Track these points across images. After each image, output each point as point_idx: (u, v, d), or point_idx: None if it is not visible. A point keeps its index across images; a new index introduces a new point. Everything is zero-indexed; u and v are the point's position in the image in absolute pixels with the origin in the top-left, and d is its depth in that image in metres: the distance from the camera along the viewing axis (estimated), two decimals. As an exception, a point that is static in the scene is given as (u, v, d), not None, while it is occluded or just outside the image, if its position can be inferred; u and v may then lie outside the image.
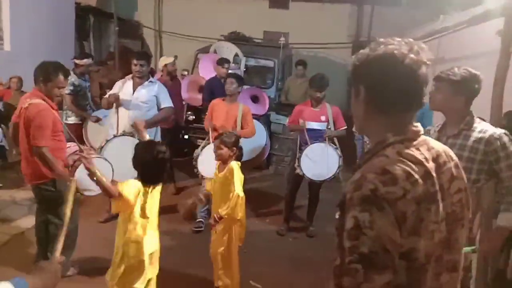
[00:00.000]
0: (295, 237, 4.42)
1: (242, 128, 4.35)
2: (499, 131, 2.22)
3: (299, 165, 4.15)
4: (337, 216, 1.25)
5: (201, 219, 4.43)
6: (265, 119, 6.08)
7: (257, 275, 3.51)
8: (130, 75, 4.22)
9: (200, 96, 6.11)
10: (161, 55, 11.28)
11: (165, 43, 11.11)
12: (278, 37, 8.71)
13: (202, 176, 4.26)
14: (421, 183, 1.07)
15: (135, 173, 3.85)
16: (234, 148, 3.07)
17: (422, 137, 1.19)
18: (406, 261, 1.07)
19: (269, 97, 6.28)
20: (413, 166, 1.09)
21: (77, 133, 4.56)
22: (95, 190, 3.21)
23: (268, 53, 7.26)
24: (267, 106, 6.01)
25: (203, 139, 6.09)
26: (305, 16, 10.10)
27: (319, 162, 4.12)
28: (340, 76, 8.47)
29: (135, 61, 4.07)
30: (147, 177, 2.41)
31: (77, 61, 5.28)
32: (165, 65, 5.51)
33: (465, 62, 3.85)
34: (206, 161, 4.12)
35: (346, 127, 4.42)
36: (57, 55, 7.64)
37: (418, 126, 1.20)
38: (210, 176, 4.12)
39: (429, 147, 1.17)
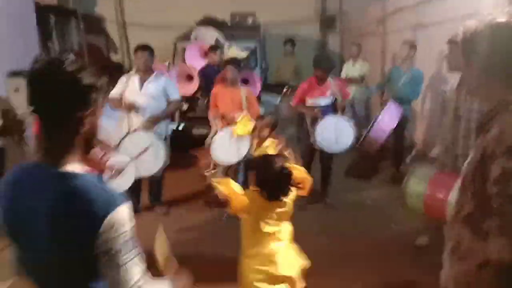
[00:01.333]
0: (315, 210, 4.58)
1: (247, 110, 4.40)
2: None
3: (315, 140, 4.28)
4: (465, 171, 1.40)
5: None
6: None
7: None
8: (133, 70, 4.13)
9: (190, 85, 6.08)
10: (127, 48, 10.97)
11: (130, 35, 10.76)
12: (245, 17, 8.72)
13: (215, 164, 4.29)
14: None
15: (156, 166, 3.88)
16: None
17: None
18: None
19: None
20: None
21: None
22: None
23: (247, 35, 7.26)
24: (259, 87, 6.07)
25: (200, 128, 6.16)
26: (270, -6, 10.07)
27: (334, 135, 4.27)
28: (310, 51, 8.60)
29: (139, 54, 3.98)
30: (269, 192, 2.24)
31: None
32: None
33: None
34: (219, 149, 4.18)
35: (351, 95, 4.61)
36: (23, 60, 7.32)
37: None
38: (226, 163, 4.20)
39: None
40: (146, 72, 4.06)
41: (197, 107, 6.28)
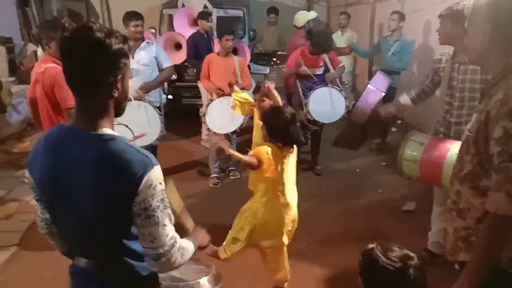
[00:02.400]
0: (305, 177, 4.71)
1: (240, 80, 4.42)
2: None
3: (308, 111, 4.36)
4: (468, 133, 1.51)
5: (215, 174, 4.58)
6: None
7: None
8: None
9: (178, 54, 6.00)
10: (108, 15, 10.61)
11: (111, 1, 10.39)
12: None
13: (213, 132, 4.32)
14: None
15: (153, 134, 3.90)
16: None
17: None
18: None
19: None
20: None
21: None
22: None
23: (235, 2, 7.14)
24: (249, 56, 6.05)
25: (190, 97, 6.15)
26: (255, -39, 9.85)
27: (326, 105, 4.36)
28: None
29: (134, 22, 3.89)
30: (286, 141, 2.44)
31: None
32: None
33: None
34: (215, 118, 4.22)
35: (342, 63, 4.67)
36: (1, 27, 7.06)
37: None
38: (222, 131, 4.25)
39: None
40: (137, 40, 4.00)
41: (187, 76, 6.22)
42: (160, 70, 4.14)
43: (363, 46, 6.30)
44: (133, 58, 3.98)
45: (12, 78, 6.59)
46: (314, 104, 4.37)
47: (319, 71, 4.48)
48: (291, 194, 2.58)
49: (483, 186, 1.44)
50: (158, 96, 4.24)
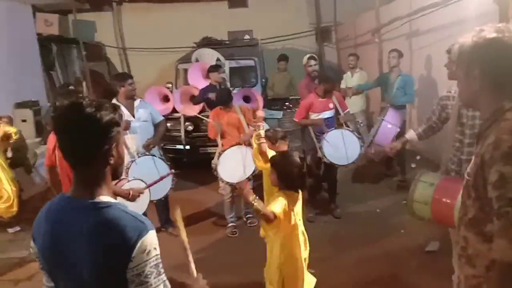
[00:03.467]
0: (325, 221, 4.65)
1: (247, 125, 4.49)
2: None
3: (323, 154, 4.35)
4: (467, 177, 1.48)
5: (232, 223, 4.56)
6: (260, 117, 6.24)
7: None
8: (113, 101, 4.13)
9: (194, 106, 6.20)
10: (129, 73, 11.15)
11: (131, 59, 10.98)
12: (243, 36, 8.90)
13: (227, 182, 4.35)
14: None
15: (164, 190, 3.98)
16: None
17: None
18: None
19: (259, 95, 6.44)
20: None
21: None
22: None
23: (246, 53, 7.42)
24: (261, 102, 6.18)
25: (206, 146, 6.27)
26: (265, 11, 10.31)
27: (341, 147, 4.35)
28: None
29: (130, 81, 4.09)
30: (296, 185, 2.53)
31: None
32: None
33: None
34: (227, 168, 4.27)
35: (348, 109, 4.72)
36: (28, 90, 7.54)
37: None
38: (234, 180, 4.26)
39: None
40: (132, 99, 4.18)
41: (203, 126, 6.37)
42: (154, 124, 4.32)
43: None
44: (134, 117, 4.14)
45: (39, 139, 6.92)
46: (328, 147, 4.37)
47: (330, 114, 4.52)
48: (302, 237, 2.65)
49: (488, 232, 1.39)
50: (157, 150, 4.39)
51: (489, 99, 1.44)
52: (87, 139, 1.21)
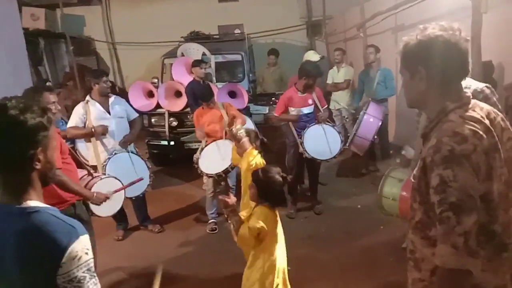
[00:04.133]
0: (306, 217, 4.64)
1: (231, 121, 4.45)
2: (481, 85, 2.48)
3: (304, 150, 4.35)
4: (413, 180, 1.46)
5: (213, 220, 4.55)
6: (246, 112, 6.21)
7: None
8: (87, 98, 4.14)
9: (179, 101, 6.16)
10: (118, 67, 11.09)
11: (121, 54, 10.90)
12: (233, 30, 8.82)
13: (207, 175, 4.34)
14: (485, 137, 1.29)
15: (141, 187, 3.96)
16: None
17: (473, 100, 1.40)
18: (484, 202, 1.29)
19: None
20: (476, 124, 1.30)
21: (72, 156, 4.48)
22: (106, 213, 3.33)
23: (233, 47, 7.35)
24: (246, 99, 6.14)
25: (191, 142, 6.23)
26: (255, 6, 10.21)
27: (322, 142, 4.37)
28: (299, 57, 8.69)
29: (105, 78, 4.09)
30: (276, 202, 2.49)
31: None
32: None
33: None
34: (207, 161, 4.28)
35: (327, 105, 4.74)
36: (15, 86, 7.41)
37: (468, 91, 1.42)
38: (214, 172, 4.25)
39: (480, 107, 1.39)
40: (106, 96, 4.15)
41: (187, 122, 6.34)
42: (130, 121, 4.30)
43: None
44: (109, 113, 4.11)
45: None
46: (309, 143, 4.37)
47: (309, 109, 4.49)
48: (282, 251, 2.59)
49: (432, 236, 1.37)
50: (133, 147, 4.36)
51: (435, 99, 1.41)
52: (7, 141, 1.18)
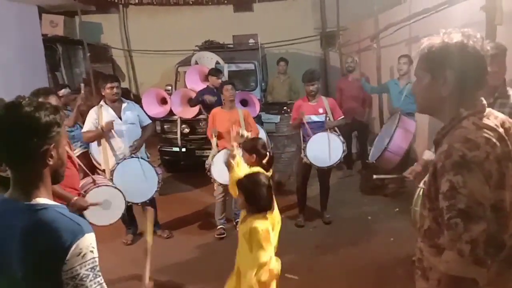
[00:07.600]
0: (314, 226, 4.61)
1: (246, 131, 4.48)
2: None
3: (305, 155, 4.39)
4: (422, 185, 1.45)
5: (221, 226, 4.55)
6: (257, 120, 6.23)
7: (289, 268, 3.66)
8: (101, 103, 4.21)
9: (191, 109, 6.22)
10: (133, 75, 11.26)
11: (136, 61, 11.07)
12: (248, 39, 8.90)
13: (219, 184, 4.38)
14: (498, 145, 1.28)
15: (148, 193, 4.00)
16: (253, 155, 3.01)
17: (488, 109, 1.39)
18: (495, 211, 1.27)
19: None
20: (489, 132, 1.29)
21: (87, 161, 4.56)
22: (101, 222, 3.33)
23: (246, 57, 7.41)
24: (258, 107, 6.17)
25: (202, 149, 6.27)
26: (270, 16, 10.30)
27: (323, 149, 4.38)
28: (313, 67, 8.71)
29: (109, 84, 4.11)
30: (265, 205, 2.46)
31: (59, 93, 5.25)
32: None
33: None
34: (221, 169, 4.27)
35: (343, 116, 4.67)
36: (32, 89, 7.61)
37: (483, 100, 1.41)
38: (227, 182, 4.26)
39: (494, 116, 1.38)
40: (118, 102, 4.20)
41: (199, 129, 6.38)
42: (142, 127, 4.34)
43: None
44: (120, 119, 4.16)
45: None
46: (311, 149, 4.40)
47: (319, 118, 4.50)
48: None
49: (441, 244, 1.34)
50: (145, 153, 4.41)
51: (451, 105, 1.39)
52: (24, 137, 1.21)
